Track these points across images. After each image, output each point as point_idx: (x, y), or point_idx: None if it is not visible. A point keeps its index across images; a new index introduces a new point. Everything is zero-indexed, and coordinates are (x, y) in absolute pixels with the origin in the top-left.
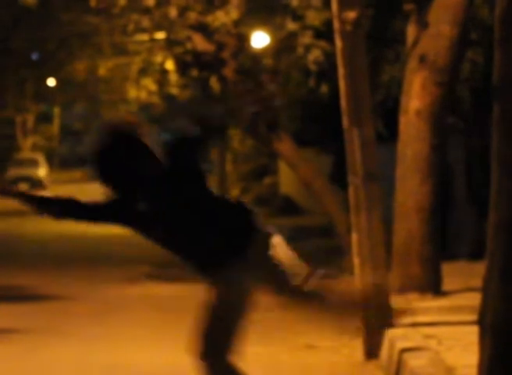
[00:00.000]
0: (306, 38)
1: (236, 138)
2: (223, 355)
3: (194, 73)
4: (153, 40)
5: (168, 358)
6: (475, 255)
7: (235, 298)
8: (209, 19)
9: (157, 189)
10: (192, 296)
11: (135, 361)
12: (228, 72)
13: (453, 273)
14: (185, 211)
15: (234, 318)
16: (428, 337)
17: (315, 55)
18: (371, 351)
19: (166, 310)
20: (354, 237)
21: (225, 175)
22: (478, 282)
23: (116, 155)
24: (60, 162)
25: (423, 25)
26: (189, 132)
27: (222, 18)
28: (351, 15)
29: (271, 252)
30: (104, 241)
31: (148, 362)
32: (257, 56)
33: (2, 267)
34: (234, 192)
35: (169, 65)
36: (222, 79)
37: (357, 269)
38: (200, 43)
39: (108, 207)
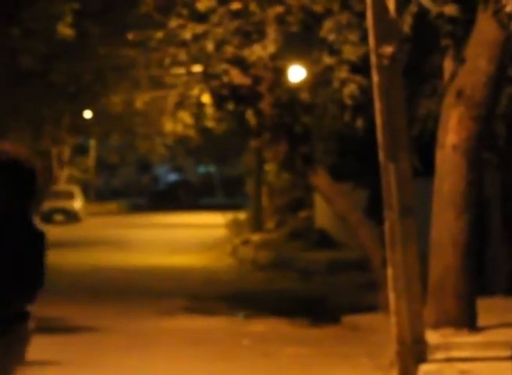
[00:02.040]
0: (342, 72)
1: (272, 171)
2: None
3: (230, 106)
4: (190, 73)
5: None
6: (511, 289)
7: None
8: (246, 52)
9: None
10: (226, 329)
11: None
12: (264, 105)
13: (489, 309)
14: None
15: None
16: (463, 372)
17: (351, 89)
18: None
19: (200, 344)
20: (390, 271)
21: (261, 208)
22: None
23: None
24: (95, 195)
25: (460, 60)
26: None
27: (258, 52)
28: (388, 49)
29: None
30: (140, 273)
31: None
32: (293, 90)
33: (39, 299)
34: (269, 225)
35: (206, 98)
36: (259, 112)
37: (391, 304)
38: (236, 76)
39: None
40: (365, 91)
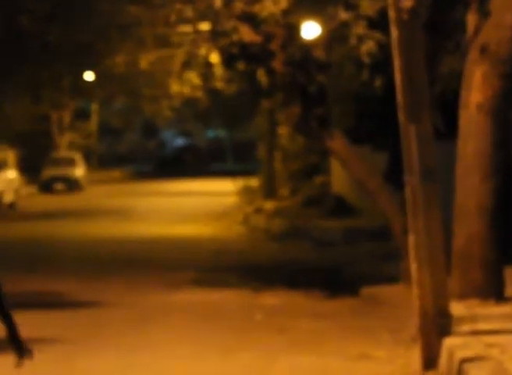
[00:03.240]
0: (359, 28)
1: (285, 135)
2: None
3: (241, 65)
4: (197, 31)
5: (206, 371)
6: None
7: None
8: (256, 8)
9: None
10: (237, 302)
11: (177, 372)
12: (276, 64)
13: None
14: None
15: None
16: (490, 345)
17: (369, 46)
18: (429, 362)
19: (210, 318)
20: (411, 239)
21: (274, 174)
22: None
23: None
24: (98, 161)
25: (484, 14)
26: None
27: (270, 7)
28: (408, 3)
29: None
30: (145, 244)
31: (188, 373)
32: (307, 48)
33: (40, 272)
34: (283, 192)
35: (214, 57)
36: (270, 72)
37: (414, 275)
38: (246, 34)
39: None
40: (384, 48)
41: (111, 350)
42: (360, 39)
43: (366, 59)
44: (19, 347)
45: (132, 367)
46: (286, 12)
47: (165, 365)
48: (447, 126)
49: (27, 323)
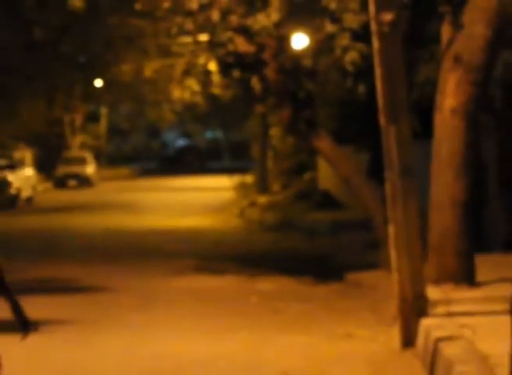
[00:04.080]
0: (344, 40)
1: (277, 136)
2: None
3: (236, 73)
4: (196, 42)
5: (207, 347)
6: (508, 247)
7: None
8: (250, 21)
9: None
10: (235, 287)
11: (177, 350)
12: (268, 72)
13: (487, 265)
14: None
15: None
16: (462, 326)
17: (352, 56)
18: (408, 340)
19: (209, 301)
20: (391, 229)
21: (266, 171)
22: (510, 273)
23: None
24: (107, 160)
25: (458, 26)
26: None
27: (263, 20)
28: (388, 17)
29: None
30: (150, 235)
31: (189, 351)
32: (296, 57)
33: (53, 260)
34: (275, 187)
35: (212, 66)
36: (263, 79)
37: (393, 262)
38: (241, 45)
39: None
40: (366, 58)
41: (120, 329)
42: (345, 50)
43: (350, 68)
44: (23, 322)
45: (140, 344)
46: (277, 25)
47: (170, 341)
48: (423, 128)
49: (42, 306)
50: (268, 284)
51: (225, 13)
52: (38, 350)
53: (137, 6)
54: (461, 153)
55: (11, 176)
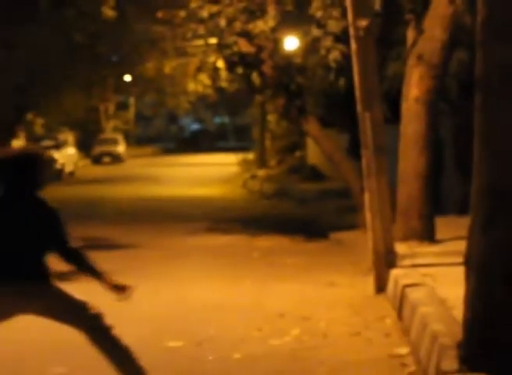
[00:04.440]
0: (327, 42)
1: (273, 121)
2: None
3: (239, 70)
4: (207, 44)
5: (216, 293)
6: (461, 210)
7: None
8: (251, 27)
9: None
10: (240, 244)
11: (190, 296)
12: (266, 69)
13: (445, 225)
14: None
15: None
16: (424, 275)
17: (335, 55)
18: (380, 287)
19: (218, 256)
20: (366, 197)
21: (265, 150)
22: (464, 232)
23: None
24: (135, 141)
25: (420, 30)
26: None
27: (261, 26)
28: (363, 23)
29: None
30: (170, 201)
31: (200, 296)
32: (289, 56)
33: (89, 223)
34: (272, 163)
35: (220, 64)
36: (262, 74)
37: (368, 223)
38: (244, 46)
39: None
40: (346, 57)
41: (144, 279)
42: (328, 50)
43: (333, 65)
44: (117, 287)
45: (158, 291)
46: (273, 30)
47: (184, 288)
48: (393, 114)
49: None
50: (266, 242)
51: (230, 20)
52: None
53: (159, 15)
54: (423, 134)
55: (56, 154)
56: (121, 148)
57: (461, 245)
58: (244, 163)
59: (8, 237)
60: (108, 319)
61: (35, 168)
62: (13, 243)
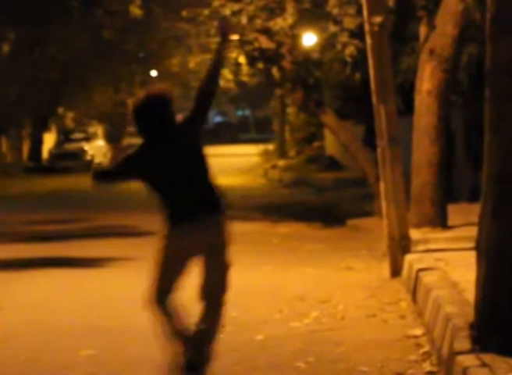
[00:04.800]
0: (343, 37)
1: (292, 113)
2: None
3: (260, 65)
4: (229, 40)
5: (239, 278)
6: (472, 198)
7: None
8: (271, 24)
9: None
10: (261, 231)
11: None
12: (285, 63)
13: (456, 212)
14: (184, 163)
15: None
16: (437, 260)
17: (350, 50)
18: (395, 271)
19: (240, 242)
20: (382, 185)
21: (284, 141)
22: (475, 218)
23: (147, 112)
24: None
25: (432, 26)
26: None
27: (280, 23)
28: (378, 19)
29: None
30: None
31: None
32: (307, 51)
33: (117, 211)
34: (291, 153)
35: (242, 59)
36: (281, 69)
37: (384, 210)
38: (264, 42)
39: (124, 165)
40: (361, 51)
41: None
42: (344, 45)
43: (349, 59)
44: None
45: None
46: (292, 27)
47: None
48: (406, 106)
49: (111, 247)
50: (286, 228)
51: (251, 18)
52: (111, 281)
53: (184, 13)
54: (435, 125)
55: (87, 146)
56: None
57: (472, 231)
58: (265, 154)
59: (180, 176)
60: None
61: (170, 103)
62: (185, 178)
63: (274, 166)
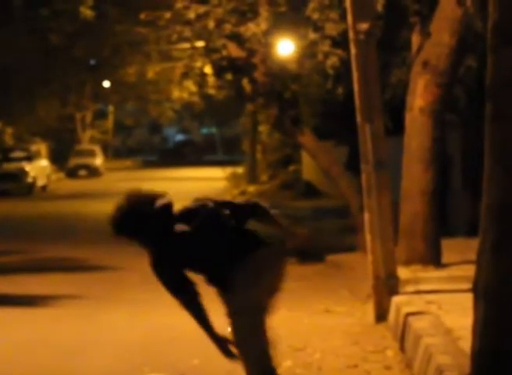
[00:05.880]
0: (325, 46)
1: (265, 132)
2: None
3: (229, 76)
4: (194, 48)
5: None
6: (470, 232)
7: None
8: (242, 29)
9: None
10: None
11: (172, 323)
12: (258, 75)
13: (452, 248)
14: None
15: None
16: (429, 302)
17: (333, 60)
18: (381, 315)
19: (204, 281)
20: (366, 216)
21: (256, 164)
22: (472, 255)
23: (130, 223)
24: (113, 153)
25: (426, 34)
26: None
27: (253, 29)
28: (364, 26)
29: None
30: None
31: (183, 323)
32: (282, 62)
33: (66, 242)
34: (263, 178)
35: (208, 69)
36: (253, 81)
37: (368, 244)
38: (234, 50)
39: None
40: (345, 62)
41: (128, 305)
42: (326, 55)
43: (330, 71)
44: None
45: (140, 317)
46: (265, 33)
47: (168, 316)
48: (395, 125)
49: (54, 284)
50: None
51: (219, 22)
52: (51, 323)
53: (142, 16)
54: (429, 148)
55: (28, 167)
56: (98, 161)
57: (469, 270)
58: (233, 178)
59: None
60: (82, 348)
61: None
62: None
63: (243, 193)
